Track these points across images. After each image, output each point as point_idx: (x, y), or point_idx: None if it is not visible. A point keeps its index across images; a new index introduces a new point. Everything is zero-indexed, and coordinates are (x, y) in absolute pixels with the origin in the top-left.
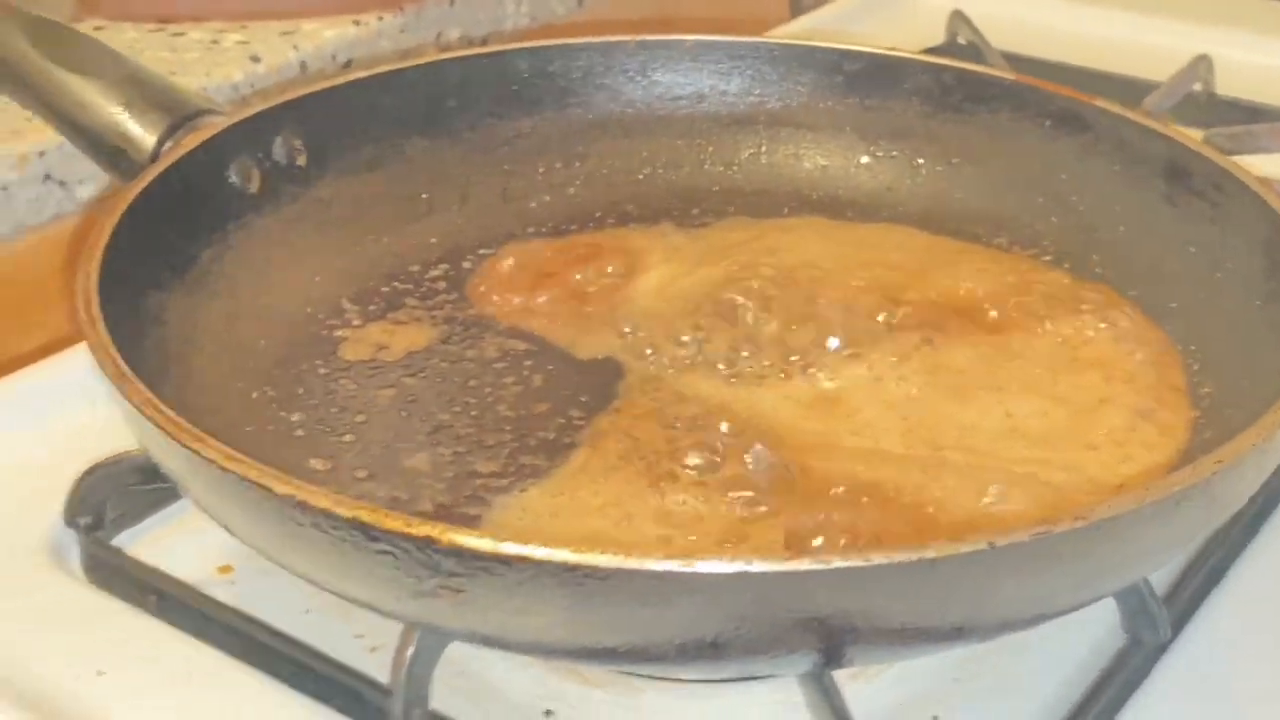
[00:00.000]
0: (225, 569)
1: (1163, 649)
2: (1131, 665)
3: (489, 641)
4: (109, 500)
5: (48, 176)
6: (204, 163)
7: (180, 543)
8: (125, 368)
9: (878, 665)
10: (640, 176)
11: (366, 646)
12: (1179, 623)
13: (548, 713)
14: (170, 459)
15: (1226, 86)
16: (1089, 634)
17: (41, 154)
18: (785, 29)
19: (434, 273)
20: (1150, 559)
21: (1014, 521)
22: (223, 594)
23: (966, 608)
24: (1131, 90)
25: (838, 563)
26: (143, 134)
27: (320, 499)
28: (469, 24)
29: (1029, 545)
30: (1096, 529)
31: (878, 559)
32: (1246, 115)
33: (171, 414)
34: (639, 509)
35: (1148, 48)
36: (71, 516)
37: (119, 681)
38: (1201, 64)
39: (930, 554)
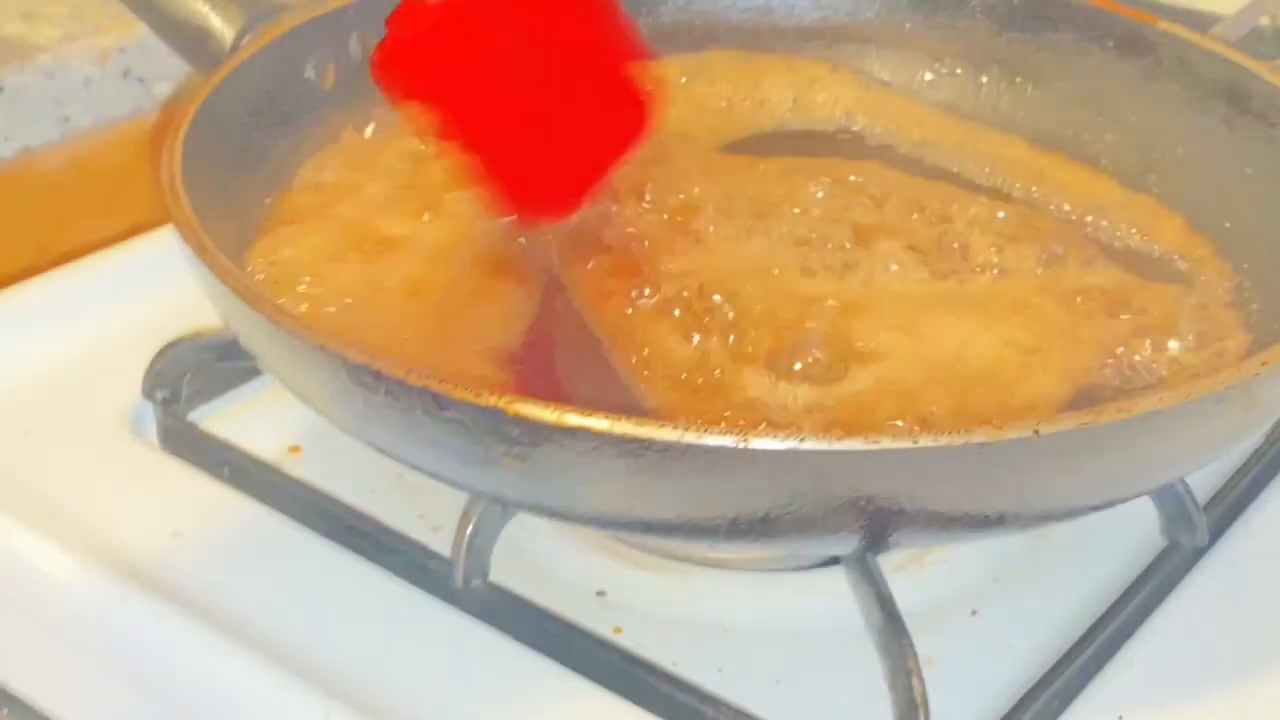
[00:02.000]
0: (295, 449)
1: (1200, 554)
2: (1168, 568)
3: (550, 512)
4: (186, 376)
5: (127, 72)
6: (281, 57)
7: (252, 422)
8: (208, 241)
9: (921, 559)
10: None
11: (430, 525)
12: (1217, 530)
13: (600, 593)
14: (249, 328)
15: None
16: (1130, 538)
17: (122, 50)
18: None
19: None
20: (1191, 457)
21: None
22: (292, 471)
23: (1009, 494)
24: (1197, 23)
25: (886, 443)
26: (222, 26)
27: (394, 367)
28: None
29: (1073, 434)
30: (1140, 421)
31: (925, 441)
32: None
33: (251, 283)
34: None
35: None
36: (149, 389)
37: (193, 542)
38: None
39: (978, 438)
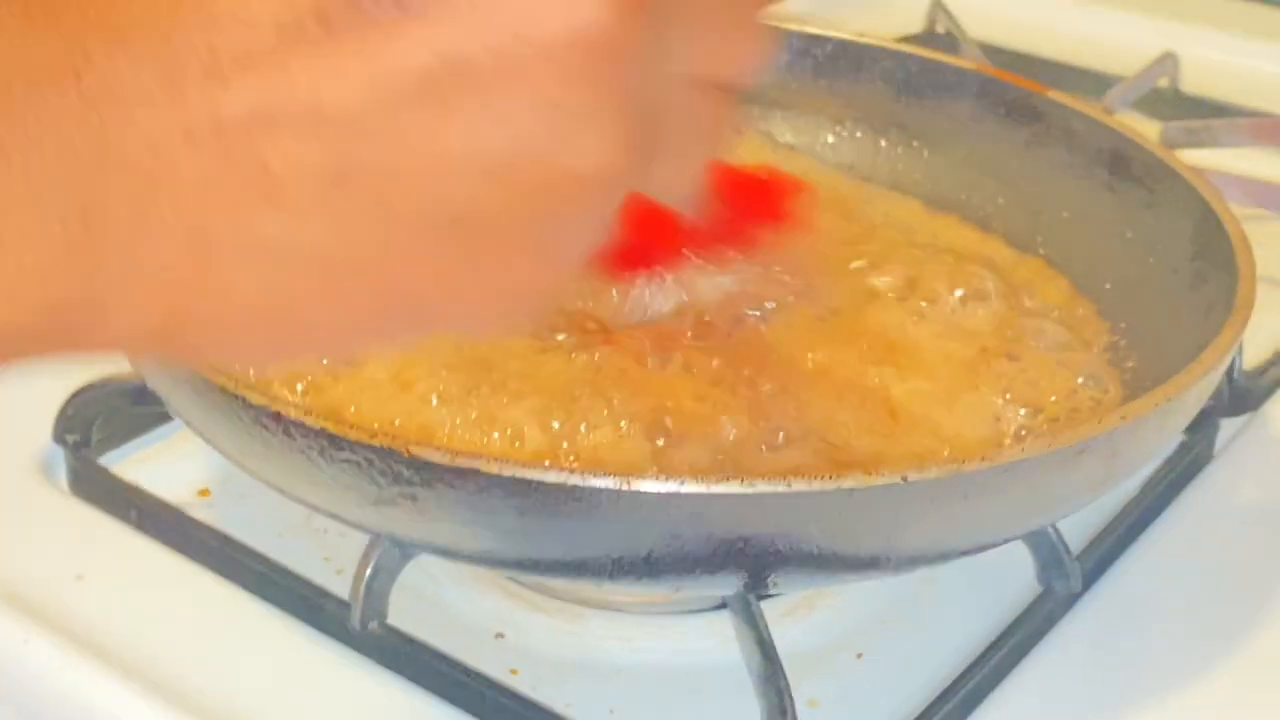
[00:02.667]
0: (204, 492)
1: (1073, 600)
2: (1042, 613)
3: (443, 551)
4: (97, 420)
5: None
6: None
7: (163, 465)
8: None
9: (810, 604)
10: None
11: (333, 569)
12: (1092, 576)
13: (498, 635)
14: (158, 375)
15: (1191, 83)
16: (1010, 582)
17: None
18: (773, 9)
19: None
20: (1056, 506)
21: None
22: (200, 515)
23: (880, 538)
24: (1099, 83)
25: (761, 487)
26: None
27: (291, 410)
28: None
29: (940, 482)
30: (1005, 470)
31: (799, 486)
32: (1209, 112)
33: None
34: None
35: (1118, 42)
36: (60, 434)
37: (97, 584)
38: (1168, 60)
39: (848, 484)
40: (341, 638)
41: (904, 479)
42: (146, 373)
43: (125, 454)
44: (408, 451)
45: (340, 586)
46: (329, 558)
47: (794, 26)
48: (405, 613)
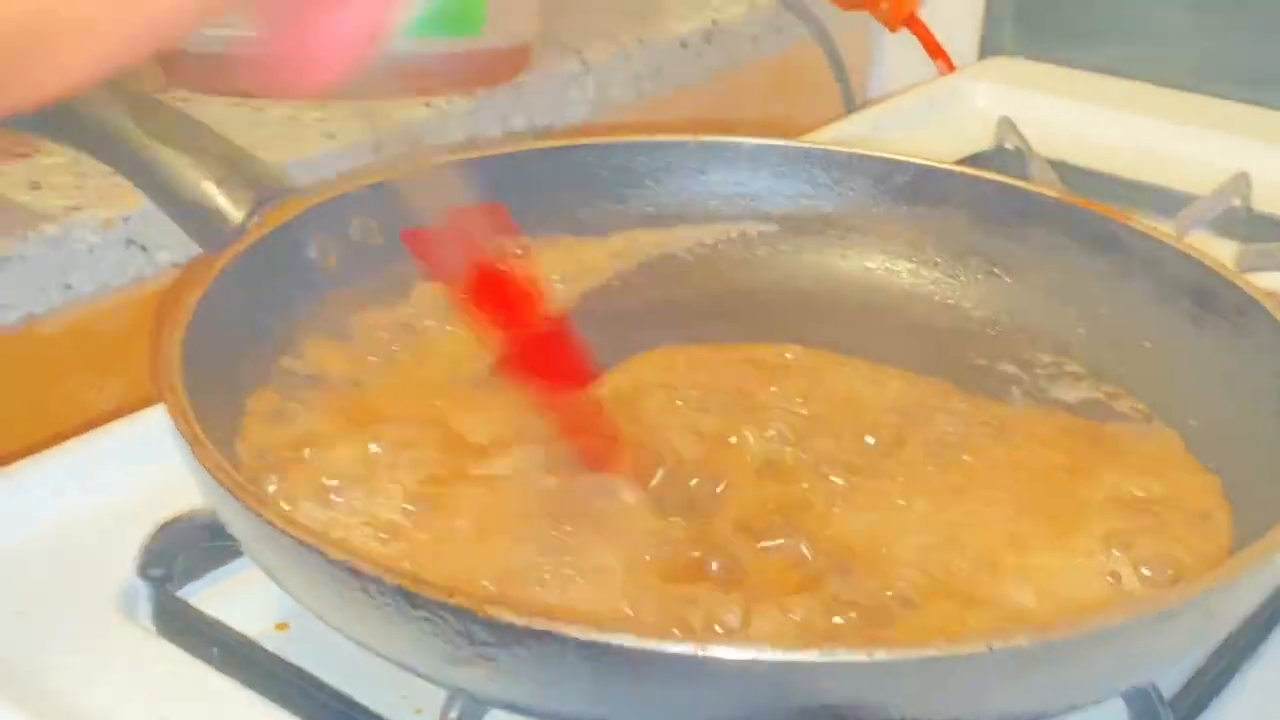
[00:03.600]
0: (283, 626)
1: None
2: None
3: (522, 709)
4: (179, 554)
5: (130, 241)
6: (286, 239)
7: (243, 598)
8: (200, 433)
9: None
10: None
11: (412, 708)
12: None
13: None
14: (236, 520)
15: (1264, 203)
16: None
17: (126, 219)
18: (839, 128)
19: None
20: (1146, 668)
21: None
22: (279, 648)
23: (963, 704)
24: (1171, 202)
25: (842, 655)
26: (231, 208)
27: (368, 566)
28: (534, 111)
29: (1026, 650)
30: (1091, 637)
31: (880, 655)
32: None
33: (239, 478)
34: None
35: (1189, 161)
36: (144, 569)
37: None
38: (1241, 180)
39: (931, 652)
40: None
41: (989, 647)
42: (225, 517)
43: (204, 586)
44: (483, 611)
45: None
46: (407, 695)
47: (872, 152)
48: None
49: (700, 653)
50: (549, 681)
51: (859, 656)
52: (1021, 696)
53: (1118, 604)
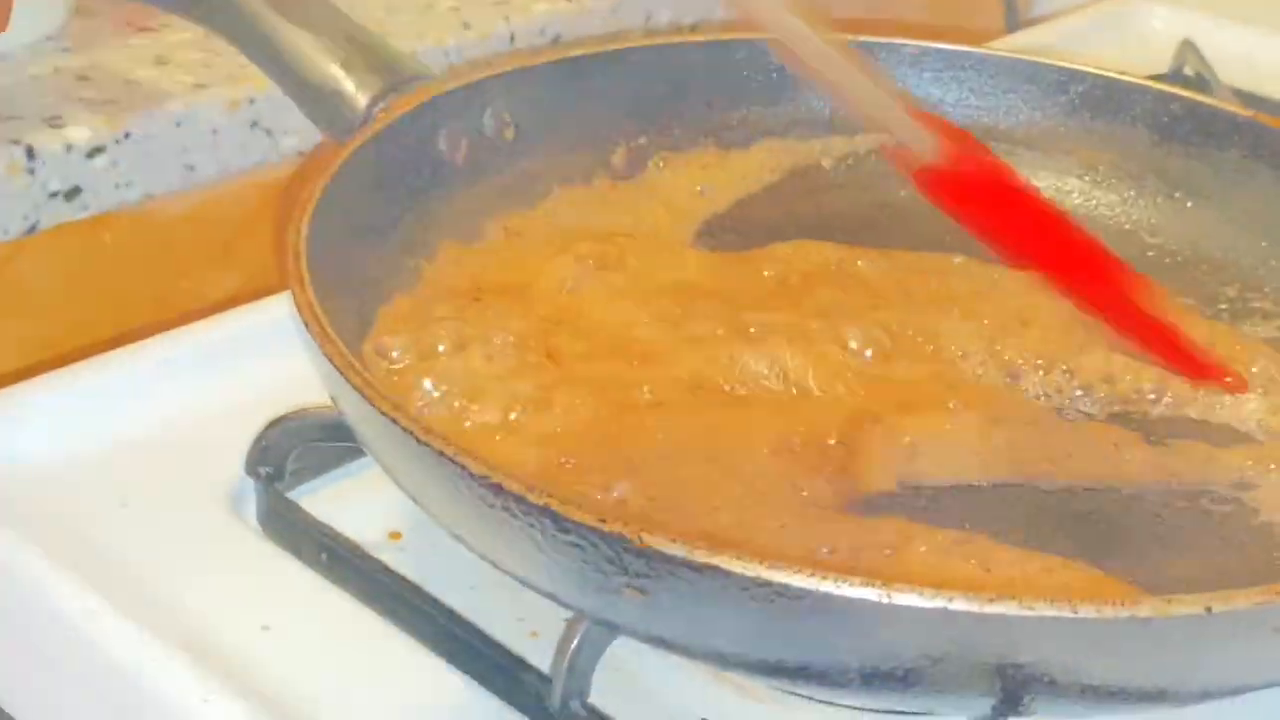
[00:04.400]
0: (395, 534)
1: None
2: None
3: (667, 646)
4: (291, 453)
5: (255, 124)
6: (414, 129)
7: (355, 504)
8: (329, 328)
9: None
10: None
11: (527, 630)
12: None
13: None
14: (365, 424)
15: None
16: None
17: (251, 101)
18: (1004, 43)
19: None
20: None
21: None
22: (391, 559)
23: (1171, 671)
24: None
25: (1041, 609)
26: (357, 93)
27: (514, 483)
28: (679, 9)
29: (1249, 612)
30: None
31: (1085, 612)
32: None
33: (371, 380)
34: None
35: None
36: (253, 466)
37: (282, 638)
38: None
39: (1143, 612)
40: (538, 716)
41: (1208, 609)
42: (352, 419)
43: (316, 488)
44: (640, 540)
45: (535, 653)
46: (523, 617)
47: (1045, 59)
48: (606, 692)
49: (885, 599)
50: (707, 619)
51: (1061, 612)
52: (1238, 664)
53: None
